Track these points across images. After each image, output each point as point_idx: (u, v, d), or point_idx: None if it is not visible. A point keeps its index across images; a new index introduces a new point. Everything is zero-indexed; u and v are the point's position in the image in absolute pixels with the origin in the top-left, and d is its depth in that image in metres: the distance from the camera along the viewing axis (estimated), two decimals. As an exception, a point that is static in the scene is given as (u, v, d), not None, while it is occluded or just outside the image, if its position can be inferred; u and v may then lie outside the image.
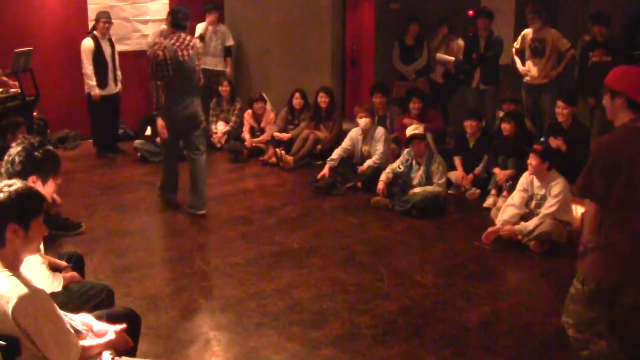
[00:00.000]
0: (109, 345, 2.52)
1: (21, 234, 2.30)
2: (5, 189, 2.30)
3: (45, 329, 2.23)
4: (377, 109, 7.69)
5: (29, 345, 2.21)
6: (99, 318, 2.72)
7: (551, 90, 7.26)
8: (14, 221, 2.28)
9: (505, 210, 5.37)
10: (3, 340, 2.18)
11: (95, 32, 7.95)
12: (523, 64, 7.45)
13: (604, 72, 7.06)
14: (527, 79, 7.43)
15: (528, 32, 7.38)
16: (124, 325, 2.64)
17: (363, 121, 7.01)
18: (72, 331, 2.39)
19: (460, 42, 8.25)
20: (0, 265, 2.28)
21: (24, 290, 2.21)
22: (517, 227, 5.19)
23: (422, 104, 7.32)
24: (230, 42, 9.12)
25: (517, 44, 7.54)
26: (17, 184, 2.35)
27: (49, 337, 2.23)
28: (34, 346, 2.22)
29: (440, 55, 8.19)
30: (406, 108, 7.61)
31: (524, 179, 5.44)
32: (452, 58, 8.16)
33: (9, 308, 2.17)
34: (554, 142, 6.30)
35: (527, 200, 5.39)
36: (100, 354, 2.46)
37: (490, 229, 5.28)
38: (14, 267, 2.31)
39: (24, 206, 2.32)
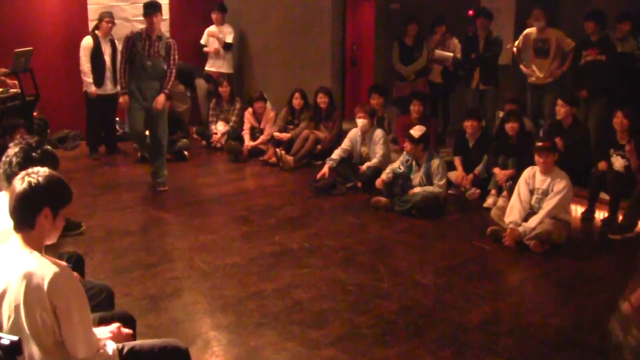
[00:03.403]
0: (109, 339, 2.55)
1: (50, 220, 2.33)
2: (43, 173, 2.33)
3: (74, 309, 2.26)
4: (376, 110, 7.69)
5: (50, 330, 2.23)
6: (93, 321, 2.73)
7: (554, 90, 7.21)
8: (49, 206, 2.31)
9: (513, 210, 5.33)
10: (5, 340, 2.18)
11: (97, 31, 7.97)
12: (522, 63, 7.43)
13: (598, 70, 7.09)
14: (532, 79, 7.39)
15: (531, 31, 7.34)
16: (117, 324, 2.65)
17: (361, 122, 7.00)
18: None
19: (456, 41, 8.25)
20: (27, 247, 2.31)
21: (56, 268, 2.24)
22: (520, 229, 5.17)
23: (423, 107, 7.28)
24: (229, 39, 9.14)
25: (518, 43, 7.50)
26: (52, 171, 2.38)
27: (77, 317, 2.26)
28: (57, 329, 2.24)
29: (439, 52, 8.18)
30: (405, 109, 7.61)
31: (527, 172, 5.42)
32: (451, 54, 8.15)
33: (45, 284, 2.19)
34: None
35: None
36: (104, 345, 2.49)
37: (511, 236, 5.17)
38: (39, 251, 2.34)
39: (60, 194, 2.37)
